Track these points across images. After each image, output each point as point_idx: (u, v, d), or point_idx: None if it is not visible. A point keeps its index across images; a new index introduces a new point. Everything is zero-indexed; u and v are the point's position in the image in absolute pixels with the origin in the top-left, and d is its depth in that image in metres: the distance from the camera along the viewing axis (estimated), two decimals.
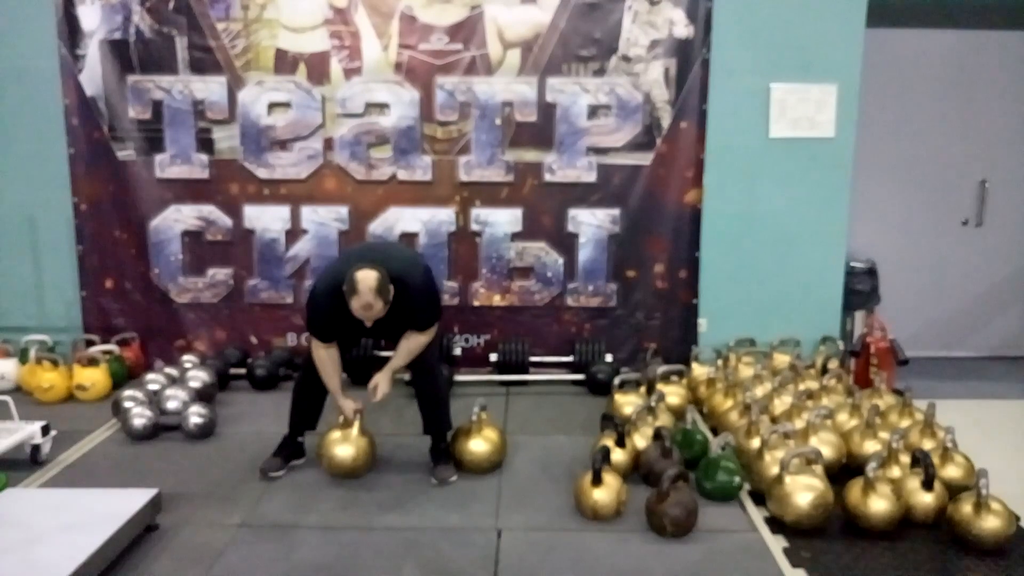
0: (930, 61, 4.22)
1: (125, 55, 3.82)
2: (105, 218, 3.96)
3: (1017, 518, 2.42)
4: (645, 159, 3.87)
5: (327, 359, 2.77)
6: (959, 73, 4.23)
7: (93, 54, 3.82)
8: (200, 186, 3.93)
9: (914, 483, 2.48)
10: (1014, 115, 4.29)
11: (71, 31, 3.80)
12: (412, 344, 2.78)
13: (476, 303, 4.02)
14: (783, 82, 3.82)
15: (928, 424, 2.88)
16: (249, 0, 3.77)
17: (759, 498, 2.62)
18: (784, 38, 3.79)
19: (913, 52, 4.21)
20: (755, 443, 2.75)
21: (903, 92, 4.24)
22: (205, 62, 3.82)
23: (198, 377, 3.51)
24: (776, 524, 2.48)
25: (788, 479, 2.44)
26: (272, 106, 3.86)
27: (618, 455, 2.75)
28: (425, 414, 2.90)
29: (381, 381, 2.82)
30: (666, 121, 3.84)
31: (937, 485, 2.48)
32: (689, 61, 3.79)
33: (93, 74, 3.83)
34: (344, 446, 2.81)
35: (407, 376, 2.95)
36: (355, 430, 2.85)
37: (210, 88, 3.85)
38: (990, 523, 2.30)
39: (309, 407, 2.92)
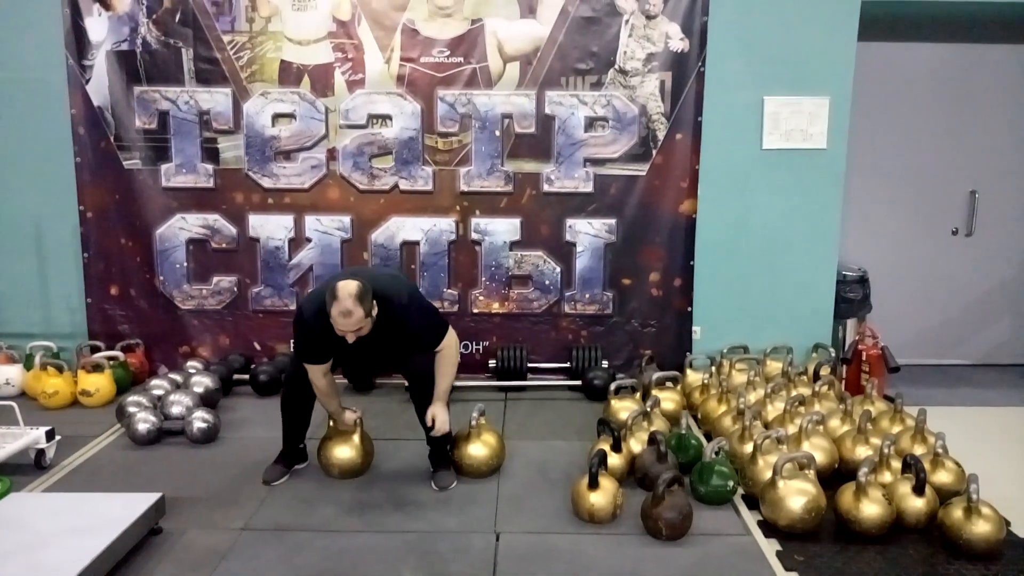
0: (921, 74, 4.29)
1: (132, 66, 3.87)
2: (111, 226, 4.00)
3: (1007, 523, 2.45)
4: (641, 170, 3.94)
5: (323, 383, 2.73)
6: (949, 85, 4.30)
7: (100, 65, 3.87)
8: (205, 195, 3.98)
9: (905, 488, 2.51)
10: (1003, 126, 4.35)
11: (78, 42, 3.86)
12: (443, 363, 2.73)
13: (475, 310, 4.07)
14: (776, 95, 3.88)
15: (919, 430, 2.91)
16: (254, 13, 3.84)
17: (752, 502, 2.65)
18: (778, 52, 3.86)
19: (904, 65, 4.28)
20: (748, 448, 2.78)
21: (894, 104, 4.31)
22: (211, 73, 3.88)
23: (202, 383, 3.56)
24: (769, 528, 2.51)
25: (781, 483, 2.47)
26: (276, 117, 3.92)
27: (614, 459, 2.79)
28: (425, 427, 2.88)
29: (438, 413, 2.72)
30: (662, 133, 3.91)
31: (928, 490, 2.51)
32: (685, 74, 3.86)
33: (100, 84, 3.89)
34: (344, 447, 2.88)
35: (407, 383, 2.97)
36: (356, 437, 2.90)
37: (216, 99, 3.91)
38: (980, 528, 2.33)
39: (299, 420, 2.91)
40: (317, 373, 2.72)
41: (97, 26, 3.86)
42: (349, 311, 2.43)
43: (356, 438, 2.90)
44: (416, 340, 2.72)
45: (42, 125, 3.94)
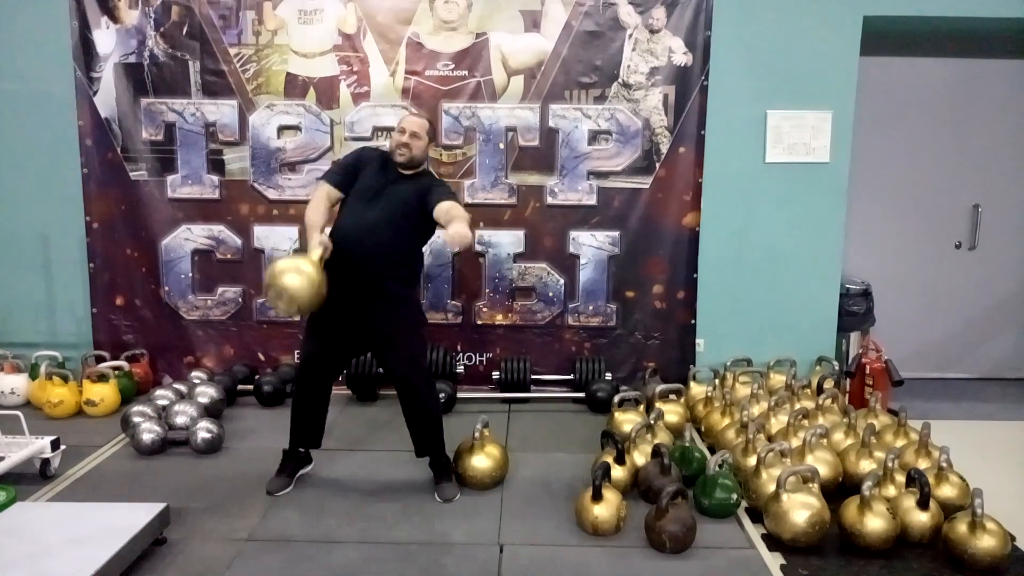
0: (923, 89, 4.32)
1: (139, 78, 3.91)
2: (117, 236, 4.03)
3: (1012, 538, 2.44)
4: (644, 183, 3.96)
5: (323, 198, 2.75)
6: (952, 100, 4.33)
7: (108, 77, 3.91)
8: (211, 206, 4.01)
9: (910, 502, 2.51)
10: (1006, 141, 4.37)
11: (86, 54, 3.90)
12: (450, 209, 2.62)
13: (479, 322, 4.09)
14: (779, 109, 3.91)
15: (923, 444, 2.90)
16: (261, 26, 3.88)
17: (756, 515, 2.65)
18: (780, 66, 3.89)
19: (907, 80, 4.31)
20: (752, 461, 2.78)
21: (897, 119, 4.34)
22: (217, 86, 3.92)
23: (206, 393, 3.57)
24: (773, 541, 2.50)
25: (785, 497, 2.47)
26: (282, 129, 3.95)
27: (618, 472, 2.79)
28: (414, 437, 2.89)
29: (459, 227, 2.47)
30: (665, 146, 3.94)
31: (932, 504, 2.50)
32: (688, 88, 3.89)
33: (107, 96, 3.93)
34: (293, 276, 2.48)
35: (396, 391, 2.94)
36: (314, 255, 2.55)
37: (222, 111, 3.94)
38: (985, 543, 2.32)
39: (311, 424, 2.93)
40: (323, 194, 2.77)
41: (105, 38, 3.90)
42: (418, 114, 2.91)
43: (311, 261, 2.53)
44: (432, 194, 2.74)
45: (50, 136, 3.97)
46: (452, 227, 2.47)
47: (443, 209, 2.64)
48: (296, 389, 2.91)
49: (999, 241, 4.46)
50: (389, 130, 3.92)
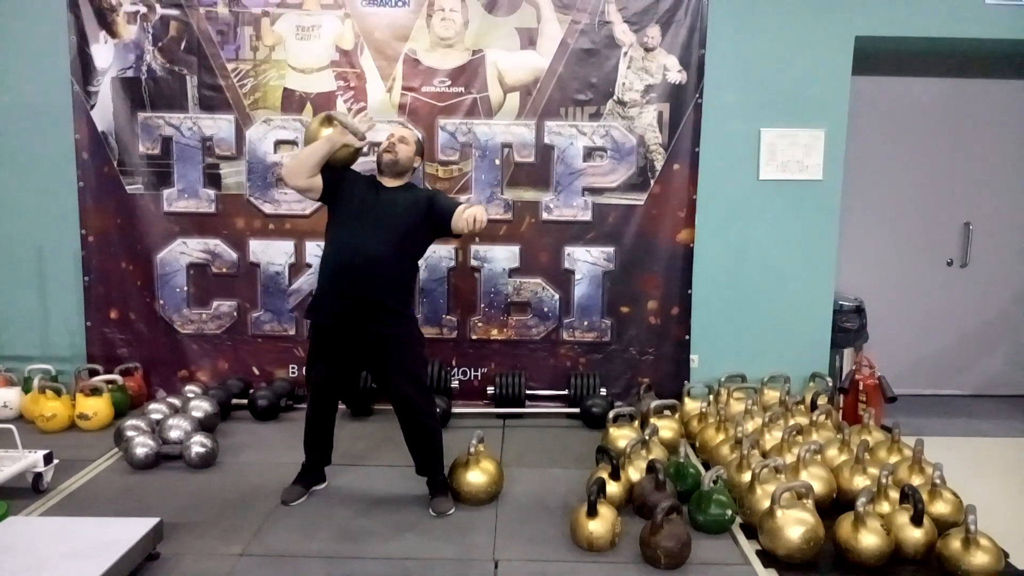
0: (915, 108, 4.37)
1: (136, 92, 3.93)
2: (112, 250, 4.03)
3: (1005, 554, 2.45)
4: (639, 199, 3.99)
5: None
6: (942, 119, 4.38)
7: (105, 91, 3.93)
8: (207, 220, 4.01)
9: (903, 518, 2.51)
10: (997, 160, 4.42)
11: (84, 68, 3.91)
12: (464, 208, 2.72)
13: (474, 337, 4.09)
14: (773, 127, 3.95)
15: (917, 460, 2.91)
16: (259, 42, 3.91)
17: (751, 531, 2.65)
18: (774, 85, 3.93)
19: (898, 99, 4.36)
20: (746, 477, 2.78)
21: (890, 137, 4.38)
22: (214, 100, 3.93)
23: (200, 407, 3.55)
24: (768, 557, 2.50)
25: (779, 513, 2.47)
26: (279, 143, 3.97)
27: (613, 487, 2.78)
28: (415, 457, 2.91)
29: (474, 210, 2.65)
30: (659, 163, 3.97)
31: (926, 521, 2.51)
32: (682, 106, 3.93)
33: (105, 110, 3.94)
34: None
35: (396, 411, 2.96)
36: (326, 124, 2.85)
37: (219, 125, 3.96)
38: (979, 559, 2.33)
39: (323, 443, 2.96)
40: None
41: (103, 53, 3.92)
42: (407, 127, 2.77)
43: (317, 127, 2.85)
44: (434, 204, 2.79)
45: (46, 149, 3.98)
46: (469, 211, 2.65)
47: (458, 214, 2.71)
48: (309, 412, 2.92)
49: (990, 258, 4.50)
50: None
